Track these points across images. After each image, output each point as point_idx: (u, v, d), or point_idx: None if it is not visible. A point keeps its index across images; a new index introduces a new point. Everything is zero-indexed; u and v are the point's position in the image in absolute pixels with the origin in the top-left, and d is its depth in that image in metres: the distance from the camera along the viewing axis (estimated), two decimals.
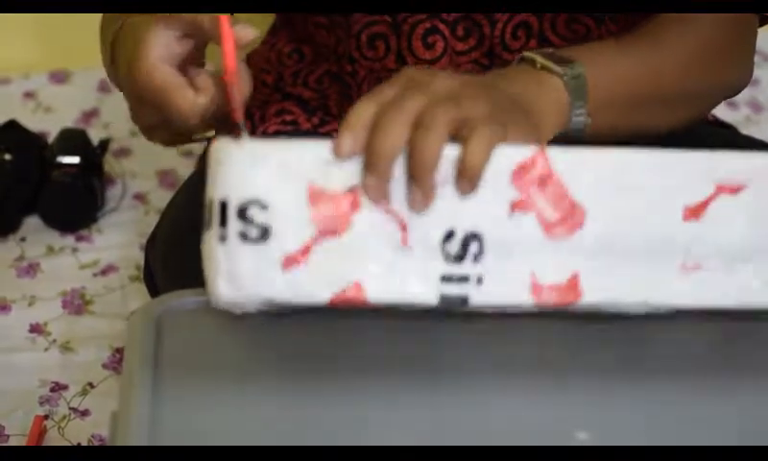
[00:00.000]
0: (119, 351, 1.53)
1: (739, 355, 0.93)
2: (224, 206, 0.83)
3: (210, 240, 0.83)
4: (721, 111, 1.82)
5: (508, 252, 0.84)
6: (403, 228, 0.84)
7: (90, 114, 1.93)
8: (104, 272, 1.67)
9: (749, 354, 0.93)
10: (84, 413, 1.46)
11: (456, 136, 0.84)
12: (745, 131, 1.44)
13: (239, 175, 0.83)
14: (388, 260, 0.83)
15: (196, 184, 1.14)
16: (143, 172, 1.83)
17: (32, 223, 1.75)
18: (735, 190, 0.86)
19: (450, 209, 0.84)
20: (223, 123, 0.96)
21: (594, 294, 0.84)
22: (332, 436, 0.84)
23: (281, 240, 0.83)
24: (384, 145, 0.82)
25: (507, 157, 0.84)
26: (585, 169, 0.85)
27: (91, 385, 1.49)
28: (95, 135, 1.80)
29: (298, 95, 1.30)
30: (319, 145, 0.84)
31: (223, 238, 0.83)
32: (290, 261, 0.82)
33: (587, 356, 0.91)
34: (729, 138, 1.28)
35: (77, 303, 1.62)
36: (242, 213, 0.83)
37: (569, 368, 0.91)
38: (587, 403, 0.89)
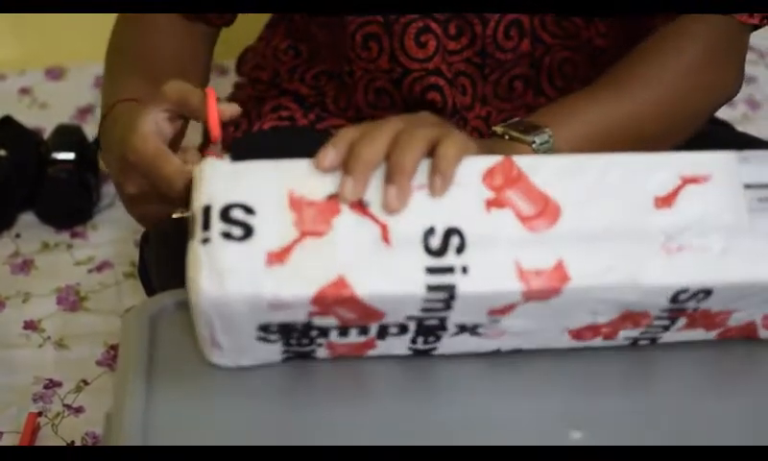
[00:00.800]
0: (113, 347, 1.53)
1: (739, 360, 0.93)
2: (207, 211, 0.83)
3: (194, 246, 0.83)
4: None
5: (490, 243, 0.84)
6: (384, 228, 0.84)
7: (86, 110, 1.93)
8: (99, 268, 1.67)
9: (749, 359, 0.93)
10: (78, 410, 1.45)
11: (432, 153, 0.87)
12: (741, 128, 1.43)
13: (222, 183, 0.84)
14: (371, 256, 0.83)
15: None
16: None
17: (26, 219, 1.75)
18: (701, 180, 0.88)
19: (428, 209, 0.85)
20: None
21: (583, 278, 0.84)
22: (328, 432, 0.84)
23: (264, 239, 0.83)
24: (365, 152, 0.85)
25: (477, 162, 0.87)
26: (553, 170, 0.87)
27: (85, 382, 1.49)
28: (90, 132, 1.80)
29: (294, 91, 1.29)
30: (299, 162, 0.86)
31: (206, 240, 0.82)
32: (273, 258, 0.82)
33: (581, 357, 0.91)
34: (724, 136, 1.27)
35: (71, 300, 1.62)
36: (225, 215, 0.83)
37: (563, 367, 0.91)
38: (581, 403, 0.89)
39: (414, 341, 0.87)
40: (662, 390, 0.92)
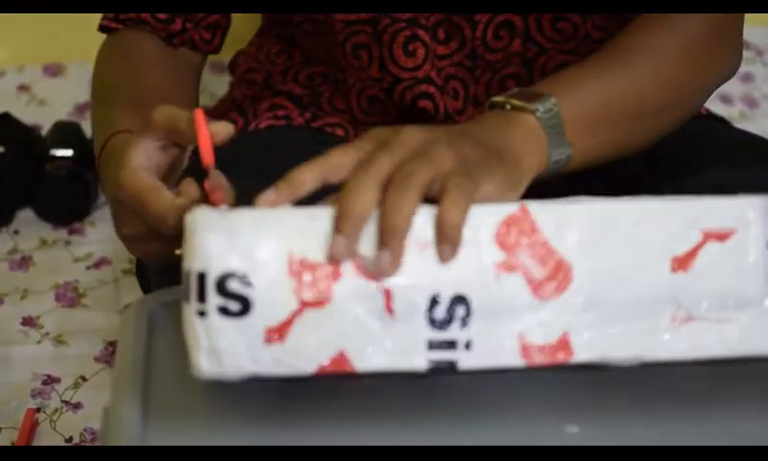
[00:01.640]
0: (112, 344, 1.53)
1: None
2: (202, 279, 0.80)
3: (189, 314, 0.81)
4: (715, 107, 1.82)
5: (496, 313, 0.83)
6: (387, 295, 0.82)
7: (84, 107, 1.93)
8: (97, 265, 1.68)
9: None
10: (77, 406, 1.46)
11: (427, 198, 0.83)
12: (739, 126, 1.44)
13: (217, 246, 0.80)
14: (373, 329, 0.82)
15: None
16: None
17: (25, 216, 1.75)
18: (723, 237, 0.85)
19: (434, 273, 0.82)
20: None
21: (585, 352, 0.83)
22: (327, 426, 0.84)
23: (263, 314, 0.80)
24: (354, 208, 0.81)
25: (488, 215, 0.83)
26: (569, 225, 0.84)
27: (84, 378, 1.49)
28: (89, 128, 1.79)
29: (288, 91, 1.29)
30: (296, 213, 0.82)
31: (202, 313, 0.80)
32: (272, 334, 0.80)
33: None
34: (723, 132, 1.27)
35: (70, 296, 1.62)
36: (221, 287, 0.80)
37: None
38: (578, 399, 0.89)
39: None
40: (661, 386, 0.92)
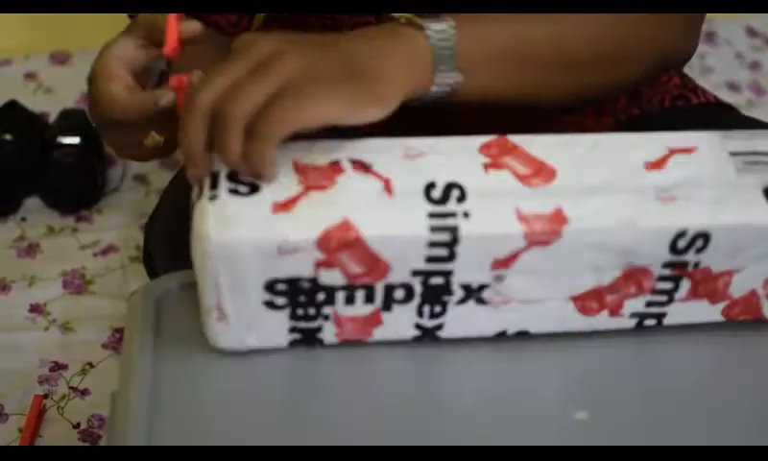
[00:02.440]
0: (119, 330, 1.53)
1: (745, 346, 0.94)
2: (214, 176, 0.85)
3: (200, 203, 0.83)
4: (723, 94, 1.82)
5: (489, 194, 0.86)
6: (386, 182, 0.86)
7: None
8: (104, 252, 1.68)
9: (754, 345, 0.94)
10: (84, 392, 1.46)
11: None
12: (746, 114, 1.44)
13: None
14: (375, 204, 0.85)
15: None
16: None
17: (32, 203, 1.75)
18: (688, 151, 0.91)
19: (428, 169, 0.87)
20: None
21: (581, 221, 0.85)
22: (330, 418, 0.84)
23: (270, 193, 0.84)
24: (185, 146, 0.84)
25: (470, 139, 0.90)
26: (551, 145, 0.90)
27: (91, 365, 1.50)
28: None
29: None
30: (302, 142, 0.87)
31: (213, 197, 0.83)
32: (279, 207, 0.83)
33: (587, 343, 0.92)
34: (730, 120, 1.27)
35: (77, 284, 1.62)
36: (232, 176, 0.84)
37: (569, 348, 0.91)
38: (586, 385, 0.89)
39: (420, 312, 0.87)
40: (668, 374, 0.92)
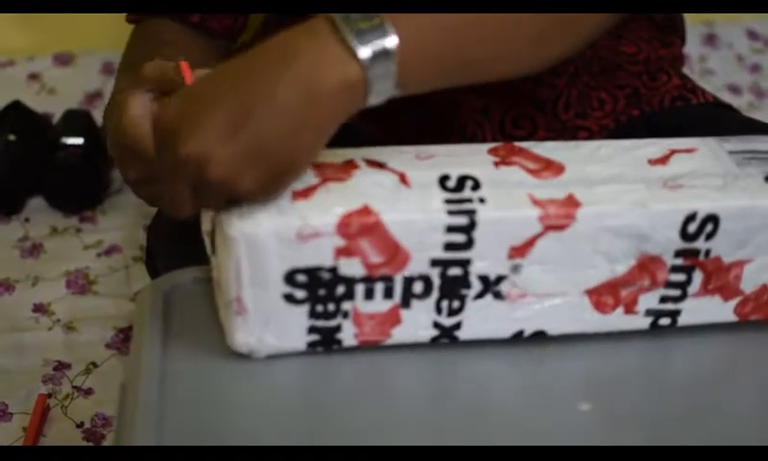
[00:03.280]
0: (122, 330, 1.54)
1: (756, 349, 0.95)
2: None
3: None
4: (723, 97, 1.83)
5: (502, 185, 0.88)
6: (402, 176, 0.87)
7: (94, 96, 1.93)
8: (107, 252, 1.68)
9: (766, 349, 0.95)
10: (88, 392, 1.46)
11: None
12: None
13: None
14: (392, 192, 0.86)
15: None
16: None
17: (36, 204, 1.75)
18: (689, 151, 0.94)
19: (440, 165, 0.89)
20: None
21: (593, 205, 0.87)
22: (343, 421, 0.85)
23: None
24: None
25: (479, 145, 0.92)
26: (557, 149, 0.92)
27: (94, 364, 1.50)
28: (99, 117, 1.80)
29: None
30: None
31: None
32: (298, 195, 0.85)
33: (600, 345, 0.92)
34: (730, 119, 1.28)
35: (81, 284, 1.62)
36: None
37: (575, 344, 0.92)
38: (590, 375, 0.90)
39: (438, 308, 0.88)
40: (677, 374, 0.93)
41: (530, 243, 0.86)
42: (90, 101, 1.93)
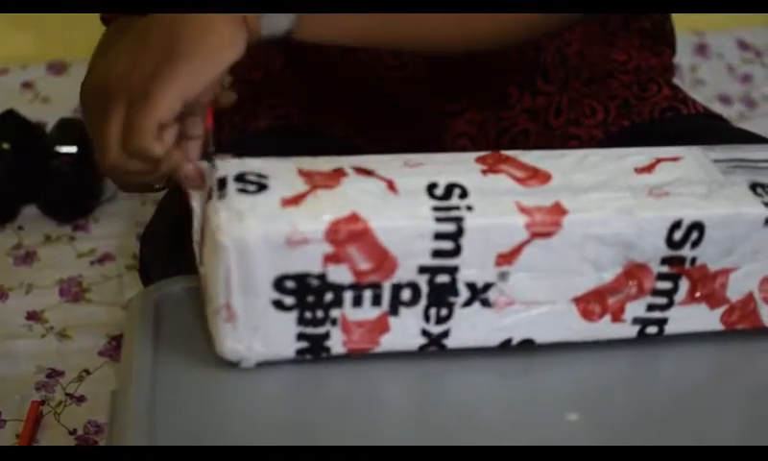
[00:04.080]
0: (115, 338, 1.54)
1: (741, 358, 0.95)
2: (222, 180, 0.86)
3: (210, 204, 0.85)
4: (714, 107, 1.84)
5: (490, 193, 0.88)
6: (389, 183, 0.88)
7: None
8: (101, 260, 1.69)
9: (750, 357, 0.95)
10: (80, 399, 1.47)
11: None
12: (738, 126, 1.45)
13: (234, 164, 0.89)
14: (381, 199, 0.87)
15: None
16: None
17: (29, 212, 1.76)
18: (674, 160, 0.94)
19: (428, 173, 0.89)
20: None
21: (580, 213, 0.87)
22: (332, 429, 0.85)
23: (278, 191, 0.86)
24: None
25: (467, 154, 0.93)
26: (545, 158, 0.92)
27: (87, 372, 1.51)
28: None
29: (287, 89, 1.30)
30: (303, 158, 0.90)
31: (223, 196, 0.85)
32: (287, 202, 0.85)
33: (587, 354, 0.93)
34: (720, 130, 1.29)
35: (74, 291, 1.63)
36: (240, 178, 0.87)
37: (563, 354, 0.93)
38: (582, 390, 0.90)
39: (426, 316, 0.88)
40: (663, 382, 0.93)
41: (517, 250, 0.87)
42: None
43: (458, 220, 0.86)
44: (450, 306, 0.89)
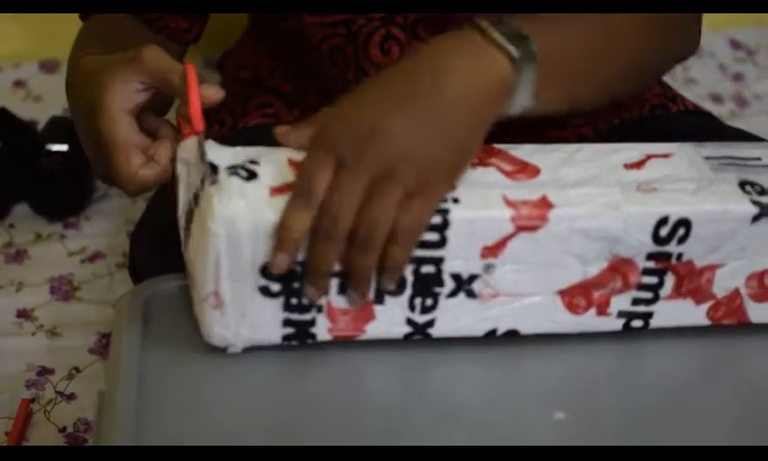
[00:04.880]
0: (105, 336, 1.54)
1: (727, 353, 0.95)
2: (214, 167, 0.87)
3: (204, 190, 0.86)
4: (706, 105, 1.84)
5: (477, 185, 0.88)
6: None
7: None
8: (91, 259, 1.68)
9: (737, 352, 0.95)
10: (70, 397, 1.46)
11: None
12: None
13: (225, 152, 0.89)
14: None
15: None
16: None
17: (20, 210, 1.76)
18: (665, 156, 0.95)
19: None
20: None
21: (566, 207, 0.87)
22: (320, 423, 0.85)
23: (267, 179, 0.86)
24: (318, 270, 0.85)
25: None
26: (535, 152, 0.93)
27: (77, 370, 1.50)
28: None
29: (276, 88, 1.30)
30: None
31: (215, 182, 0.86)
32: (276, 191, 0.85)
33: (573, 347, 0.93)
34: (711, 127, 1.29)
35: (64, 290, 1.63)
36: (231, 168, 0.87)
37: (550, 349, 0.93)
38: (568, 388, 0.90)
39: (412, 305, 0.88)
40: (649, 379, 0.93)
41: (502, 243, 0.87)
42: (74, 119, 1.93)
43: (444, 212, 0.86)
44: (435, 297, 0.89)
